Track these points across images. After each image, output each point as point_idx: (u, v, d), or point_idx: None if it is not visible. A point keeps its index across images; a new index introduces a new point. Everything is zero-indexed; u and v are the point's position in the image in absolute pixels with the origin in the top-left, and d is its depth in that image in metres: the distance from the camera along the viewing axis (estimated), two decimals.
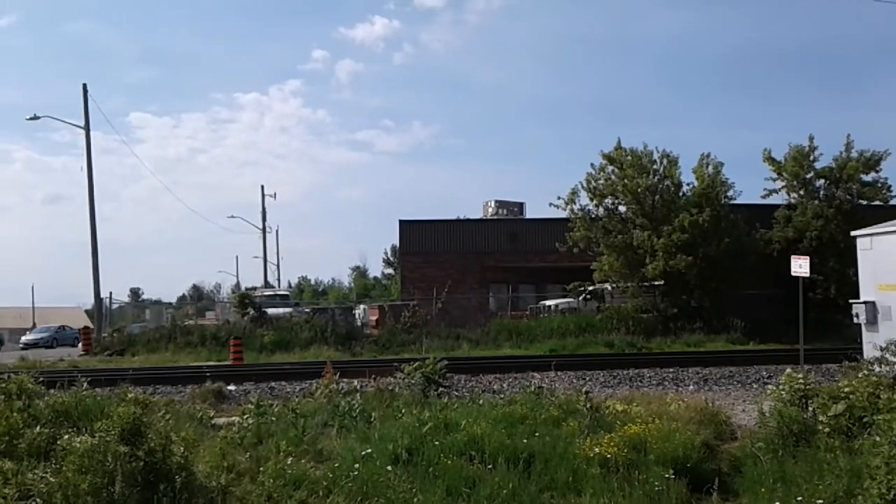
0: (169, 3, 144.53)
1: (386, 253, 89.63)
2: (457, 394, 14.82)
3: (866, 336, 15.84)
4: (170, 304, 64.83)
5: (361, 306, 44.31)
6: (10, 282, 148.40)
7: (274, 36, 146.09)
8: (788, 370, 10.60)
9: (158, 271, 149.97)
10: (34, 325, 59.62)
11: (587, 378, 17.48)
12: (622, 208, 31.85)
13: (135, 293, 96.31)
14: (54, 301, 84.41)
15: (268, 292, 43.52)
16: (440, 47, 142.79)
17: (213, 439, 9.51)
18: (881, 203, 31.41)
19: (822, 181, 32.20)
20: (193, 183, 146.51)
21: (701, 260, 28.77)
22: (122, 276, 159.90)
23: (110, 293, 38.31)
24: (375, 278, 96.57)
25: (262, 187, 61.56)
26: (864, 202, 31.48)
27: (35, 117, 36.49)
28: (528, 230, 41.26)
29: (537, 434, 9.73)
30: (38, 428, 8.14)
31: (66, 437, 7.15)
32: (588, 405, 11.36)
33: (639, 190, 30.39)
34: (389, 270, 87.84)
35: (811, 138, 31.83)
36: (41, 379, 10.54)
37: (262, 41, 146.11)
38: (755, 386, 16.46)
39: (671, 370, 18.71)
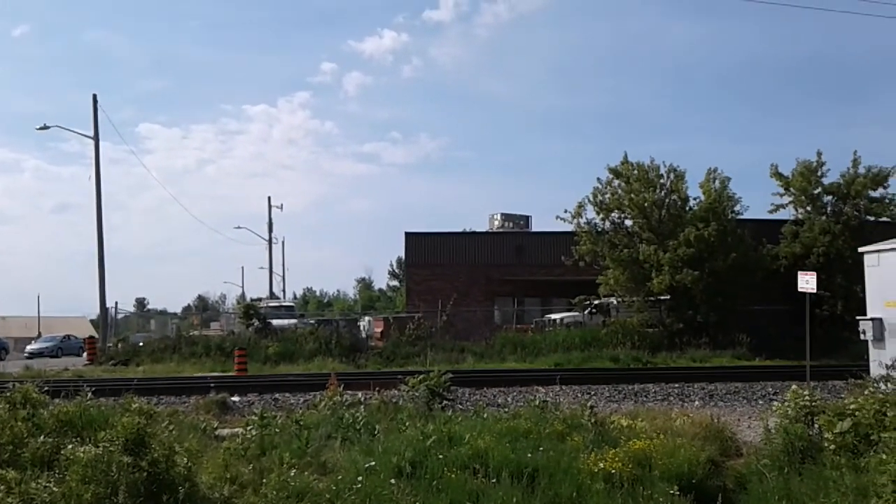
0: (180, 15, 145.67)
1: (391, 265, 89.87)
2: (461, 407, 14.78)
3: (873, 353, 15.77)
4: (175, 314, 64.93)
5: (366, 318, 44.26)
6: (16, 290, 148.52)
7: (283, 48, 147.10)
8: (794, 387, 10.56)
9: (164, 281, 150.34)
10: (39, 335, 59.73)
11: (592, 392, 17.41)
12: (628, 222, 31.81)
13: (140, 303, 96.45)
14: (60, 310, 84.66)
15: (273, 303, 43.55)
16: (449, 60, 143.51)
17: (216, 450, 9.50)
18: (889, 220, 31.23)
19: (829, 197, 32.10)
20: (201, 194, 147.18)
21: (707, 275, 28.68)
22: (128, 285, 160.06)
23: (116, 303, 38.36)
24: (381, 290, 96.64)
25: (269, 198, 61.77)
26: (872, 218, 31.32)
27: (45, 127, 36.66)
28: (535, 243, 41.24)
29: (542, 448, 9.69)
30: (41, 437, 8.14)
31: (70, 446, 7.15)
32: (593, 420, 11.33)
33: (645, 204, 30.35)
34: (395, 282, 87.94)
35: (819, 154, 31.79)
36: (46, 388, 10.56)
37: (272, 53, 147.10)
38: (761, 402, 16.38)
39: (676, 385, 18.62)
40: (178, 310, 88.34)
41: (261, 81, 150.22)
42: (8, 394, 9.61)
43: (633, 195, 30.52)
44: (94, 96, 36.44)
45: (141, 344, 31.76)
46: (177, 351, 28.44)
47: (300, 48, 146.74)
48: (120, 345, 31.38)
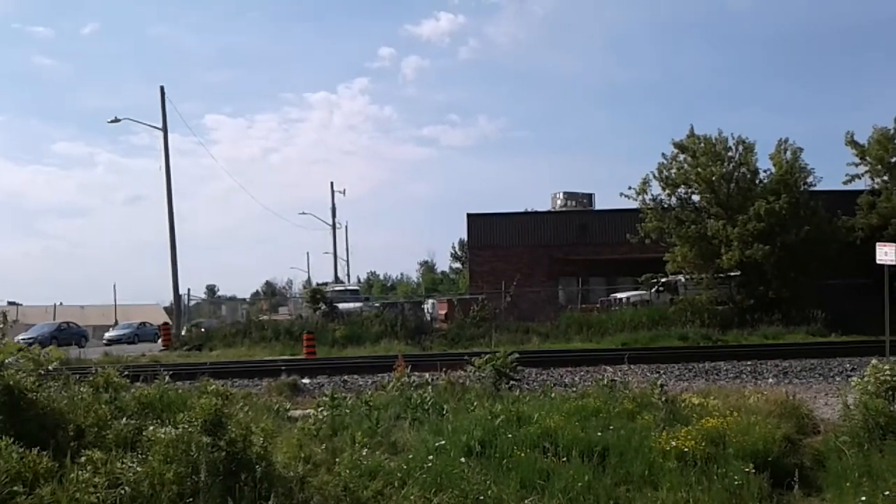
0: (240, 7, 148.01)
1: (454, 247, 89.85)
2: (528, 387, 14.73)
3: None
4: (244, 300, 66.33)
5: (430, 301, 44.55)
6: (93, 281, 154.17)
7: (341, 35, 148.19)
8: (874, 361, 10.20)
9: (232, 268, 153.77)
10: (116, 322, 61.76)
11: (661, 371, 17.17)
12: (695, 197, 31.23)
13: (210, 290, 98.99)
14: (135, 298, 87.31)
15: (338, 287, 44.15)
16: (505, 40, 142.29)
17: (289, 431, 9.71)
18: None
19: None
20: (266, 182, 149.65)
21: (779, 249, 27.94)
22: (199, 273, 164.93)
23: (188, 290, 39.52)
24: (443, 273, 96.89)
25: (332, 184, 62.58)
26: None
27: (116, 120, 38.04)
28: (598, 222, 40.74)
29: (611, 427, 9.60)
30: (124, 419, 8.41)
31: (152, 428, 7.37)
32: (663, 398, 11.15)
33: (713, 178, 29.70)
34: (457, 265, 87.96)
35: None
36: (125, 373, 10.90)
37: (330, 41, 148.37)
38: (838, 379, 15.90)
39: (749, 363, 18.22)
40: (247, 296, 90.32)
41: (320, 69, 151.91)
42: (91, 378, 9.97)
43: (699, 169, 29.91)
44: (162, 88, 37.47)
45: (203, 330, 32.48)
46: (247, 336, 29.20)
47: (358, 34, 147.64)
48: (193, 330, 32.30)
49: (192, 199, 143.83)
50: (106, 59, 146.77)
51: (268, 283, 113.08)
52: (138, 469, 6.72)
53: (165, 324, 36.60)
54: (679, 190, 31.11)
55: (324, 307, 32.28)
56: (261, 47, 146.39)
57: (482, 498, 7.48)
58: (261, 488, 6.68)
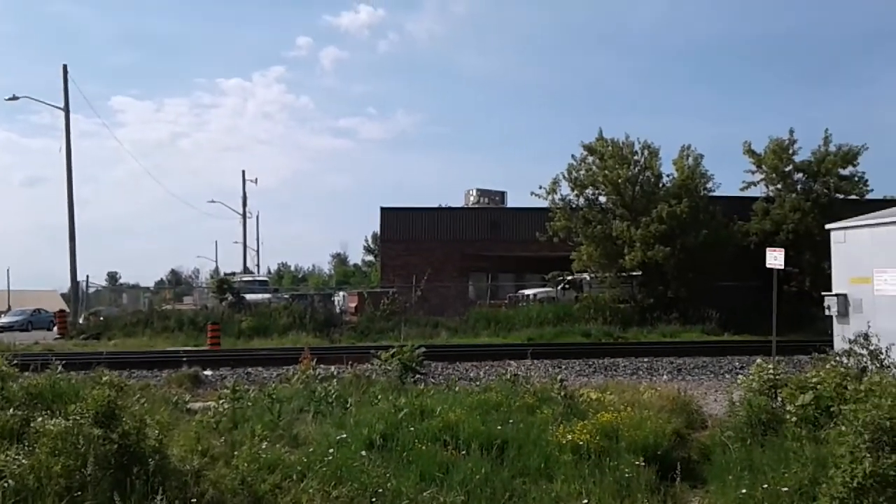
0: None
1: (367, 240, 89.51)
2: (433, 381, 14.88)
3: (837, 328, 16.02)
4: (147, 288, 64.35)
5: (341, 293, 44.22)
6: None
7: (258, 22, 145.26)
8: (759, 360, 10.73)
9: (137, 255, 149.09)
10: (9, 308, 58.84)
11: (563, 367, 17.60)
12: (602, 199, 32.05)
13: (112, 277, 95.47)
14: (30, 284, 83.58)
15: (247, 278, 43.36)
16: (426, 36, 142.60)
17: (188, 423, 9.51)
18: (857, 197, 31.72)
19: (800, 174, 32.52)
20: (174, 167, 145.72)
21: (679, 251, 29.00)
22: (100, 259, 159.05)
23: (87, 277, 38.03)
24: (356, 265, 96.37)
25: (243, 172, 61.55)
26: (841, 196, 31.79)
27: (14, 98, 36.19)
28: (510, 219, 41.38)
29: (511, 421, 9.81)
30: (10, 410, 8.10)
31: (40, 419, 7.12)
32: (562, 393, 11.46)
33: (619, 181, 30.53)
34: (370, 258, 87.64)
35: (791, 132, 32.18)
36: (15, 362, 10.47)
37: (246, 27, 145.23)
38: (727, 376, 16.66)
39: (646, 360, 18.90)
40: (151, 284, 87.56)
41: (235, 55, 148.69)
42: None
43: (607, 171, 30.70)
44: (65, 66, 35.98)
45: (101, 318, 31.17)
46: (149, 325, 28.32)
47: (275, 22, 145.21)
48: (91, 318, 31.08)
49: (95, 183, 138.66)
50: (5, 37, 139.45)
51: (173, 272, 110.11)
52: (24, 462, 6.49)
53: (62, 311, 35.06)
54: (587, 191, 31.86)
55: (231, 297, 31.63)
56: (171, 29, 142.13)
57: (381, 491, 7.52)
58: (154, 482, 6.54)
